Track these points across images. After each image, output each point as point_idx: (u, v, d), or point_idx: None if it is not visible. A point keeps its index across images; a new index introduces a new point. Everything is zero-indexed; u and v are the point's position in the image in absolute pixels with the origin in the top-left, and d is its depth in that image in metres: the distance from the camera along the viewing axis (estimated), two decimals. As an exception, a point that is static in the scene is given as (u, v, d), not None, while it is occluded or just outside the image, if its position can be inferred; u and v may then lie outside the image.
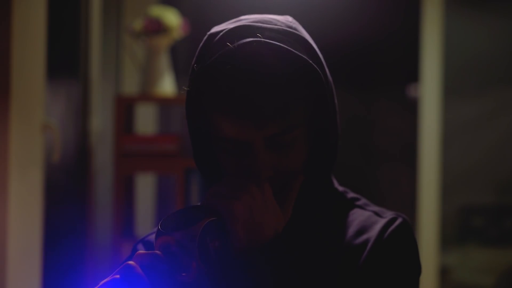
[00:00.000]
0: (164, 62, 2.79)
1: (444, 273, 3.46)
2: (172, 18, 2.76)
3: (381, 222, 1.06)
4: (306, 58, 0.99)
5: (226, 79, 0.98)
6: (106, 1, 3.17)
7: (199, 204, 0.99)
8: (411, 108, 3.40)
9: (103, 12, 3.12)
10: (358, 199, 1.12)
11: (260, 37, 0.98)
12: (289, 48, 0.98)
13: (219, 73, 0.98)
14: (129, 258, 1.08)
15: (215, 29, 1.04)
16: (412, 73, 3.39)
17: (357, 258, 1.03)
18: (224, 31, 1.01)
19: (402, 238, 1.05)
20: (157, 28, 2.72)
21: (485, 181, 3.58)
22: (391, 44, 3.46)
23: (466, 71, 3.54)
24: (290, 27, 1.03)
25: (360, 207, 1.10)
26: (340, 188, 1.13)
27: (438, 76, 3.32)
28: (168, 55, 2.84)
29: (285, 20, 1.04)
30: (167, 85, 2.80)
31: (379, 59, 3.49)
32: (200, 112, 1.03)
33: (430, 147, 3.32)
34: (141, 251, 0.91)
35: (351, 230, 1.06)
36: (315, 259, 1.03)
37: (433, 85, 3.32)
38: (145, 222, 3.21)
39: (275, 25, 1.02)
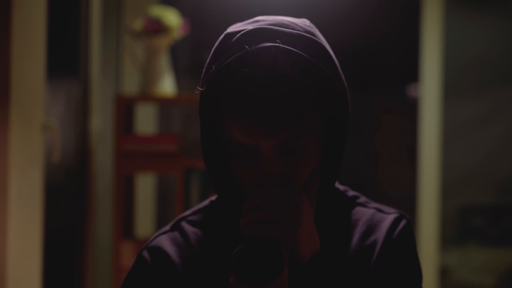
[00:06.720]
0: (164, 62, 2.79)
1: (444, 273, 3.46)
2: (172, 18, 2.76)
3: (387, 222, 1.07)
4: (323, 68, 0.97)
5: (240, 83, 0.96)
6: (106, 1, 3.17)
7: (257, 240, 0.94)
8: (411, 108, 3.40)
9: (103, 12, 3.12)
10: (358, 197, 1.13)
11: (279, 43, 0.96)
12: (307, 56, 0.96)
13: (234, 76, 0.96)
14: (136, 267, 1.08)
15: (232, 28, 1.01)
16: (412, 73, 3.39)
17: (367, 260, 1.04)
18: (241, 32, 0.99)
19: (408, 239, 1.07)
20: (157, 28, 2.73)
21: (485, 181, 3.58)
22: (391, 44, 3.46)
23: (466, 71, 3.54)
24: (308, 32, 1.01)
25: (362, 204, 1.11)
26: (341, 188, 1.13)
27: (438, 76, 3.32)
28: (168, 55, 2.84)
29: (303, 24, 1.02)
30: (167, 85, 2.80)
31: (379, 59, 3.49)
32: (213, 114, 1.01)
33: (430, 147, 3.32)
34: None
35: (358, 231, 1.07)
36: (327, 260, 1.02)
37: (433, 85, 3.32)
38: (145, 222, 3.21)
39: (293, 29, 1.00)
